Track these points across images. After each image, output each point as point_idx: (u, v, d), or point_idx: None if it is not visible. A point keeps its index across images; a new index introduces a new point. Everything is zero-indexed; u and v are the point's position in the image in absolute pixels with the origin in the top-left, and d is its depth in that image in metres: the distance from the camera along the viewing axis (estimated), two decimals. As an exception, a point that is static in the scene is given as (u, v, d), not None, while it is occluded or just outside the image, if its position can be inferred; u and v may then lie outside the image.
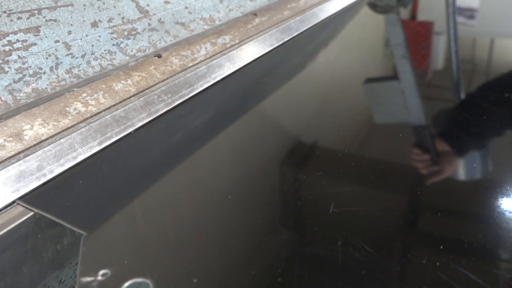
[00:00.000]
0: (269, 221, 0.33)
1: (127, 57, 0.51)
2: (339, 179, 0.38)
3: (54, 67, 0.43)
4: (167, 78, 0.51)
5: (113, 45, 0.49)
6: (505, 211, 0.33)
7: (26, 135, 0.37)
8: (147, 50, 0.54)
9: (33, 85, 0.41)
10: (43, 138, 0.37)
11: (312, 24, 0.81)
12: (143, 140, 0.42)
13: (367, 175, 0.38)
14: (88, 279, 0.26)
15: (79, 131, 0.39)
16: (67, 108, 0.41)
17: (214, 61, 0.57)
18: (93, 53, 0.47)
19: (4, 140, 0.35)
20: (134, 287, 0.26)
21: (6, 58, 0.39)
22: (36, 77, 0.42)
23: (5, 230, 0.30)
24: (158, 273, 0.27)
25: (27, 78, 0.41)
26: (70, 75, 0.45)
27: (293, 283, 0.27)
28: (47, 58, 0.42)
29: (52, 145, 0.37)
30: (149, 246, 0.30)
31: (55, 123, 0.39)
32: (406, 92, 0.59)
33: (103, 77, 0.46)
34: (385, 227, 0.32)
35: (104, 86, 0.45)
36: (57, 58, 0.43)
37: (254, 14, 0.71)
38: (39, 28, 0.42)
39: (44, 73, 0.42)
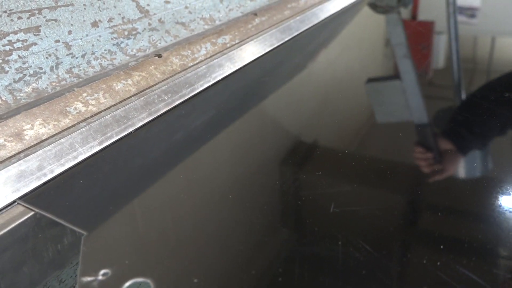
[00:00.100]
0: (270, 221, 0.33)
1: (128, 57, 0.51)
2: (339, 178, 0.38)
3: (54, 67, 0.43)
4: (167, 78, 0.51)
5: (114, 45, 0.49)
6: (506, 210, 0.33)
7: (27, 134, 0.37)
8: (148, 50, 0.54)
9: (34, 85, 0.41)
10: (43, 137, 0.37)
11: (312, 24, 0.81)
12: (144, 140, 0.42)
13: (367, 174, 0.38)
14: (89, 278, 0.26)
15: (79, 131, 0.39)
16: (67, 108, 0.41)
17: (215, 60, 0.57)
18: (93, 53, 0.47)
19: (5, 139, 0.35)
20: (135, 287, 0.26)
21: (6, 58, 0.39)
22: (37, 77, 0.42)
23: (5, 230, 0.30)
24: (159, 273, 0.27)
25: (27, 78, 0.41)
26: (71, 75, 0.45)
27: (294, 283, 0.26)
28: (47, 58, 0.42)
29: (52, 145, 0.37)
30: (150, 246, 0.30)
31: (56, 122, 0.39)
32: (408, 91, 0.59)
33: (103, 77, 0.46)
34: (385, 227, 0.32)
35: (104, 86, 0.45)
36: (57, 58, 0.43)
37: (254, 14, 0.71)
38: (40, 28, 0.42)
39: (45, 73, 0.42)
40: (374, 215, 0.33)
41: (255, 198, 0.36)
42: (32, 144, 0.36)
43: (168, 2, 0.57)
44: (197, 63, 0.55)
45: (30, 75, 0.41)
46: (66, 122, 0.40)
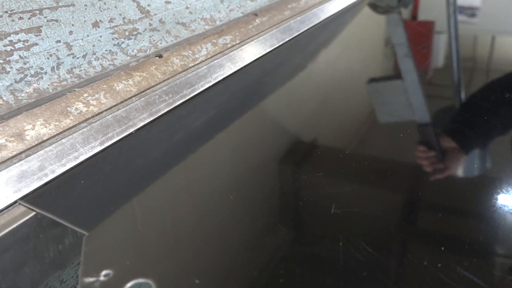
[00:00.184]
0: (271, 222, 0.33)
1: (128, 57, 0.51)
2: (340, 179, 0.38)
3: (55, 67, 0.43)
4: (168, 78, 0.51)
5: (114, 45, 0.49)
6: (506, 211, 0.33)
7: (28, 135, 0.37)
8: (148, 50, 0.54)
9: (35, 85, 0.41)
10: (44, 138, 0.37)
11: (312, 24, 0.81)
12: (145, 140, 0.42)
13: (368, 175, 0.38)
14: (91, 279, 0.26)
15: (80, 131, 0.39)
16: (68, 108, 0.41)
17: (215, 61, 0.57)
18: (94, 53, 0.47)
19: (6, 140, 0.35)
20: (136, 287, 0.26)
21: (7, 58, 0.39)
22: (38, 77, 0.42)
23: (7, 230, 0.30)
24: (160, 273, 0.27)
25: (28, 78, 0.41)
26: (72, 75, 0.45)
27: (295, 284, 0.27)
28: (48, 58, 0.42)
29: (53, 145, 0.37)
30: (151, 246, 0.30)
31: (57, 123, 0.39)
32: (410, 91, 0.59)
33: (104, 77, 0.46)
34: (386, 228, 0.32)
35: (105, 86, 0.45)
36: (58, 58, 0.43)
37: (255, 14, 0.71)
38: (41, 28, 0.42)
39: (46, 73, 0.42)
40: (375, 216, 0.33)
41: (256, 198, 0.36)
42: (33, 144, 0.36)
43: (169, 3, 0.57)
44: (197, 64, 0.55)
45: (31, 76, 0.41)
46: (67, 122, 0.40)
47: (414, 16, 1.06)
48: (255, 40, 0.65)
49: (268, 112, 0.53)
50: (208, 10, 0.64)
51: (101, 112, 0.42)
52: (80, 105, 0.42)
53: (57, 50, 0.43)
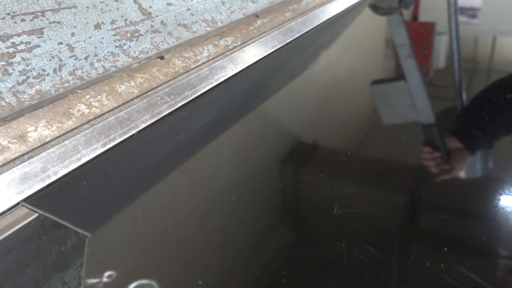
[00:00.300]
0: (273, 223, 0.33)
1: (130, 59, 0.51)
2: (342, 180, 0.38)
3: (57, 69, 0.43)
4: (170, 80, 0.51)
5: (116, 47, 0.49)
6: (510, 212, 0.33)
7: (30, 136, 0.37)
8: (150, 52, 0.54)
9: (37, 87, 0.41)
10: (47, 139, 0.37)
11: (313, 25, 0.81)
12: (147, 142, 0.43)
13: (370, 176, 0.38)
14: (94, 280, 0.26)
15: (82, 133, 0.39)
16: (70, 110, 0.41)
17: (217, 62, 0.57)
18: (96, 55, 0.47)
19: (9, 141, 0.35)
20: (140, 288, 0.26)
21: (10, 60, 0.39)
22: (40, 79, 0.42)
23: (9, 232, 0.30)
24: (163, 274, 0.27)
25: (30, 80, 0.41)
26: (74, 77, 0.45)
27: (298, 285, 0.27)
28: (50, 60, 0.43)
29: (56, 147, 0.37)
30: (154, 247, 0.30)
31: (59, 124, 0.39)
32: (413, 91, 0.59)
33: (106, 79, 0.46)
34: (389, 229, 0.32)
35: (107, 88, 0.45)
36: (60, 60, 0.43)
37: (256, 15, 0.71)
38: (43, 30, 0.42)
39: (48, 75, 0.42)
40: (377, 217, 0.33)
41: (258, 199, 0.36)
42: (36, 146, 0.37)
43: (170, 4, 0.57)
44: (199, 65, 0.55)
45: (34, 77, 0.41)
46: (69, 124, 0.40)
47: (415, 17, 1.06)
48: (257, 42, 0.65)
49: (270, 113, 0.54)
50: (209, 12, 0.64)
51: (103, 114, 0.42)
52: (82, 107, 0.42)
53: (59, 52, 0.43)
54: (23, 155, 0.35)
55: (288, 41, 0.72)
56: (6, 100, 0.39)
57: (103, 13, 0.48)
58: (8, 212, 0.32)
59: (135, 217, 0.33)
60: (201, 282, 0.26)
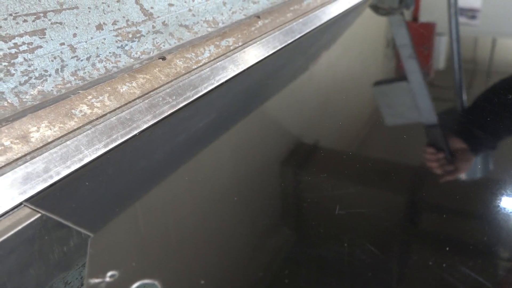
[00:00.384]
0: (275, 223, 0.33)
1: (132, 60, 0.51)
2: (344, 180, 0.38)
3: (59, 70, 0.43)
4: (171, 81, 0.51)
5: (118, 47, 0.50)
6: (511, 212, 0.33)
7: (33, 137, 0.37)
8: (152, 52, 0.54)
9: (39, 87, 0.41)
10: (49, 140, 0.37)
11: (314, 26, 0.81)
12: (149, 142, 0.43)
13: (372, 176, 0.38)
14: (96, 280, 0.26)
15: (85, 133, 0.39)
16: (73, 111, 0.41)
17: (218, 63, 0.57)
18: (98, 56, 0.47)
19: (11, 142, 0.35)
20: (143, 288, 0.26)
21: (12, 61, 0.39)
22: (42, 80, 0.42)
23: (12, 232, 0.31)
24: (166, 274, 0.27)
25: (33, 80, 0.41)
26: (76, 77, 0.45)
27: (300, 285, 0.27)
28: (52, 61, 0.43)
29: (58, 147, 0.37)
30: (156, 247, 0.30)
31: (61, 125, 0.39)
32: (416, 92, 0.59)
33: (108, 80, 0.46)
34: (391, 229, 0.32)
35: (109, 88, 0.45)
36: (62, 61, 0.44)
37: (257, 16, 0.71)
38: (45, 30, 0.42)
39: (50, 75, 0.42)
40: (379, 217, 0.33)
41: (259, 200, 0.36)
42: (38, 146, 0.37)
43: (172, 5, 0.57)
44: (200, 66, 0.56)
45: (36, 78, 0.41)
46: (71, 124, 0.40)
47: (415, 17, 1.06)
48: (258, 42, 0.65)
49: (271, 114, 0.54)
50: (210, 13, 0.64)
51: (105, 114, 0.43)
52: (84, 107, 0.42)
53: (61, 52, 0.43)
54: (25, 155, 0.36)
55: (289, 41, 0.72)
56: (9, 100, 0.39)
57: (105, 14, 0.48)
58: (11, 212, 0.32)
59: (137, 217, 0.33)
60: (204, 282, 0.27)
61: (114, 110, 0.44)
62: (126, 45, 0.51)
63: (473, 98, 0.59)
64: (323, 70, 0.69)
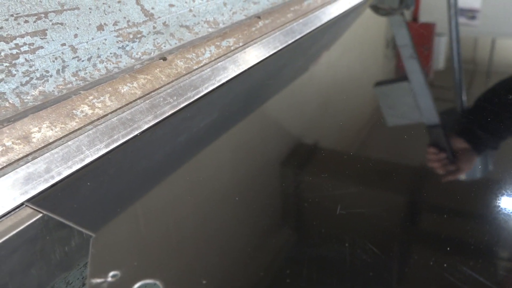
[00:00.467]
0: (277, 223, 0.33)
1: (133, 60, 0.51)
2: (345, 180, 0.38)
3: (60, 70, 0.43)
4: (172, 81, 0.51)
5: (119, 48, 0.50)
6: (511, 212, 0.33)
7: (34, 137, 0.37)
8: (152, 53, 0.54)
9: (40, 88, 0.42)
10: (50, 140, 0.38)
11: (315, 26, 0.81)
12: (150, 142, 0.43)
13: (373, 176, 0.39)
14: (98, 280, 0.26)
15: (86, 134, 0.39)
16: (74, 111, 0.41)
17: (219, 63, 0.57)
18: (99, 56, 0.47)
19: (13, 142, 0.35)
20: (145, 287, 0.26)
21: (13, 61, 0.39)
22: (43, 80, 0.42)
23: (14, 232, 0.31)
24: (168, 274, 0.27)
25: (34, 81, 0.41)
26: (77, 78, 0.45)
27: (302, 284, 0.27)
28: (53, 61, 0.43)
29: (59, 148, 0.37)
30: (158, 247, 0.30)
31: (63, 125, 0.39)
32: (417, 92, 0.60)
33: (109, 80, 0.46)
34: (392, 229, 0.32)
35: (110, 89, 0.45)
36: (63, 61, 0.44)
37: (258, 17, 0.71)
38: (46, 31, 0.42)
39: (51, 76, 0.43)
40: (380, 217, 0.33)
41: (261, 200, 0.36)
42: (40, 146, 0.37)
43: (173, 6, 0.57)
44: (201, 66, 0.56)
45: (37, 78, 0.41)
46: (73, 125, 0.40)
47: (415, 18, 1.06)
48: (258, 43, 0.65)
49: (272, 114, 0.54)
50: (211, 13, 0.64)
51: (107, 115, 0.43)
52: (86, 108, 0.42)
53: (62, 53, 0.43)
54: (27, 155, 0.36)
55: (289, 42, 0.72)
56: (10, 101, 0.39)
57: (105, 14, 0.48)
58: (12, 213, 0.32)
59: (139, 217, 0.33)
60: (205, 282, 0.27)
61: (115, 110, 0.44)
62: (127, 45, 0.51)
63: (473, 98, 0.59)
64: (324, 70, 0.69)
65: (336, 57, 0.76)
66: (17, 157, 0.35)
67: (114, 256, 0.29)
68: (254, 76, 0.61)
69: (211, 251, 0.30)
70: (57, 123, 0.39)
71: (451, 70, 0.71)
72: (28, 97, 0.40)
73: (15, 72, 0.39)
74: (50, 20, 0.42)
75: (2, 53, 0.38)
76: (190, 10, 0.60)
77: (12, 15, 0.39)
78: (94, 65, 0.47)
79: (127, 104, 0.45)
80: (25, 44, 0.40)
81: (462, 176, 0.40)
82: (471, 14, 1.08)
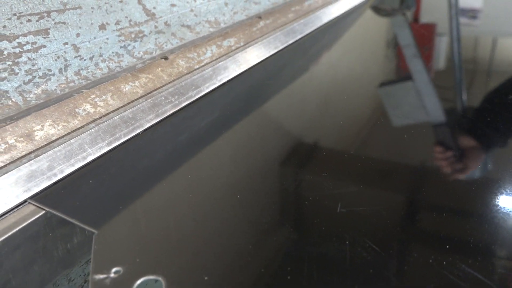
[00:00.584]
0: (278, 221, 0.33)
1: (135, 59, 0.51)
2: (345, 179, 0.38)
3: (63, 69, 0.44)
4: (174, 80, 0.51)
5: (121, 47, 0.50)
6: (510, 211, 0.33)
7: (37, 135, 0.37)
8: (154, 52, 0.54)
9: (43, 86, 0.42)
10: (53, 138, 0.38)
11: (315, 27, 0.81)
12: (152, 141, 0.43)
13: (373, 175, 0.39)
14: (101, 276, 0.26)
15: (88, 132, 0.40)
16: (76, 109, 0.41)
17: (220, 63, 0.57)
18: (101, 55, 0.48)
19: (16, 140, 0.36)
20: (147, 284, 0.27)
21: (16, 60, 0.40)
22: (46, 79, 0.42)
23: (16, 229, 0.31)
24: (170, 270, 0.27)
25: (36, 79, 0.41)
26: (79, 76, 0.45)
27: (302, 281, 0.27)
28: (56, 60, 0.43)
29: (62, 146, 0.37)
30: (160, 244, 0.30)
31: (65, 123, 0.39)
32: (422, 91, 0.60)
33: (111, 79, 0.46)
34: (392, 227, 0.32)
35: (112, 87, 0.45)
36: (66, 60, 0.44)
37: (259, 17, 0.72)
38: (48, 30, 0.42)
39: (53, 74, 0.43)
40: (380, 215, 0.33)
41: (262, 198, 0.36)
42: (42, 144, 0.37)
43: (174, 5, 0.57)
44: (203, 66, 0.56)
45: (40, 77, 0.42)
46: (75, 123, 0.40)
47: (416, 18, 1.06)
48: (259, 43, 0.66)
49: (273, 113, 0.54)
50: (212, 13, 0.64)
51: (109, 113, 0.43)
52: (88, 106, 0.42)
53: (64, 52, 0.44)
54: (29, 153, 0.36)
55: (290, 42, 0.72)
56: (13, 99, 0.39)
57: (107, 14, 0.48)
58: (16, 209, 0.33)
59: (141, 215, 0.34)
60: (207, 278, 0.27)
61: (117, 109, 0.44)
62: (129, 45, 0.51)
63: (474, 98, 0.59)
64: (324, 70, 0.69)
65: (337, 57, 0.76)
66: (20, 155, 0.35)
67: (116, 252, 0.29)
68: (255, 75, 0.61)
69: (213, 248, 0.30)
70: (59, 121, 0.39)
71: (452, 69, 0.71)
72: (30, 96, 0.41)
73: (18, 71, 0.40)
74: (53, 19, 0.42)
75: (5, 52, 0.38)
76: (192, 10, 0.60)
77: (15, 14, 0.39)
78: (96, 64, 0.47)
79: (129, 103, 0.45)
80: (27, 43, 0.40)
81: (467, 175, 0.41)
82: (472, 14, 1.08)
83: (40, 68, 0.42)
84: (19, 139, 0.36)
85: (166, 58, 0.53)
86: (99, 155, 0.39)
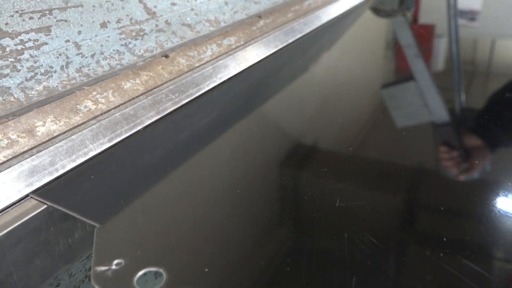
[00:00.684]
0: (277, 215, 0.34)
1: (135, 57, 0.52)
2: (345, 176, 0.39)
3: (64, 66, 0.44)
4: (174, 78, 0.52)
5: (122, 45, 0.50)
6: (505, 210, 0.34)
7: (39, 131, 0.38)
8: (155, 50, 0.55)
9: (45, 83, 0.42)
10: (55, 134, 0.38)
11: (315, 26, 0.82)
12: (152, 138, 0.43)
13: (372, 172, 0.39)
14: (103, 268, 0.27)
15: (89, 128, 0.40)
16: (77, 106, 0.41)
17: (220, 61, 0.58)
18: (102, 53, 0.48)
19: (18, 136, 0.36)
20: (148, 275, 0.27)
21: (18, 57, 0.40)
22: (47, 76, 0.42)
23: (18, 223, 0.31)
24: (171, 262, 0.28)
25: (38, 76, 0.42)
26: (80, 74, 0.46)
27: (301, 273, 0.27)
28: (57, 57, 0.43)
29: (64, 141, 0.38)
30: (161, 237, 0.31)
31: (67, 120, 0.40)
32: (424, 90, 0.60)
33: (112, 76, 0.47)
34: (389, 221, 0.33)
35: (113, 85, 0.46)
36: (67, 57, 0.44)
37: (259, 16, 0.72)
38: (50, 28, 0.42)
39: (55, 71, 0.43)
40: (378, 210, 0.33)
41: (262, 192, 0.37)
42: (44, 140, 0.37)
43: (175, 4, 0.58)
44: (203, 64, 0.56)
45: (41, 74, 0.42)
46: (76, 119, 0.40)
47: (415, 19, 1.07)
48: (259, 42, 0.66)
49: (272, 112, 0.54)
50: (212, 12, 0.65)
51: (110, 110, 0.43)
52: (89, 103, 0.42)
53: (66, 49, 0.44)
54: (31, 148, 0.36)
55: (290, 41, 0.72)
56: (15, 95, 0.40)
57: (109, 12, 0.48)
58: (18, 204, 0.33)
59: (142, 209, 0.34)
60: (207, 270, 0.27)
61: (118, 106, 0.44)
62: (130, 43, 0.51)
63: (473, 99, 0.59)
64: (324, 70, 0.70)
65: (336, 56, 0.77)
66: (22, 150, 0.36)
67: (118, 245, 0.29)
68: (254, 74, 0.61)
69: (213, 241, 0.31)
70: (61, 117, 0.40)
71: (451, 71, 0.72)
72: (32, 92, 0.41)
73: (20, 68, 0.40)
74: (55, 17, 0.43)
75: (8, 49, 0.39)
76: (192, 9, 0.61)
77: (17, 12, 0.39)
78: (98, 62, 0.48)
79: (130, 100, 0.46)
80: (29, 40, 0.41)
81: (470, 173, 0.41)
82: (471, 15, 1.08)
83: (42, 65, 0.42)
84: (21, 135, 0.36)
85: (166, 56, 0.53)
86: (100, 151, 0.40)
